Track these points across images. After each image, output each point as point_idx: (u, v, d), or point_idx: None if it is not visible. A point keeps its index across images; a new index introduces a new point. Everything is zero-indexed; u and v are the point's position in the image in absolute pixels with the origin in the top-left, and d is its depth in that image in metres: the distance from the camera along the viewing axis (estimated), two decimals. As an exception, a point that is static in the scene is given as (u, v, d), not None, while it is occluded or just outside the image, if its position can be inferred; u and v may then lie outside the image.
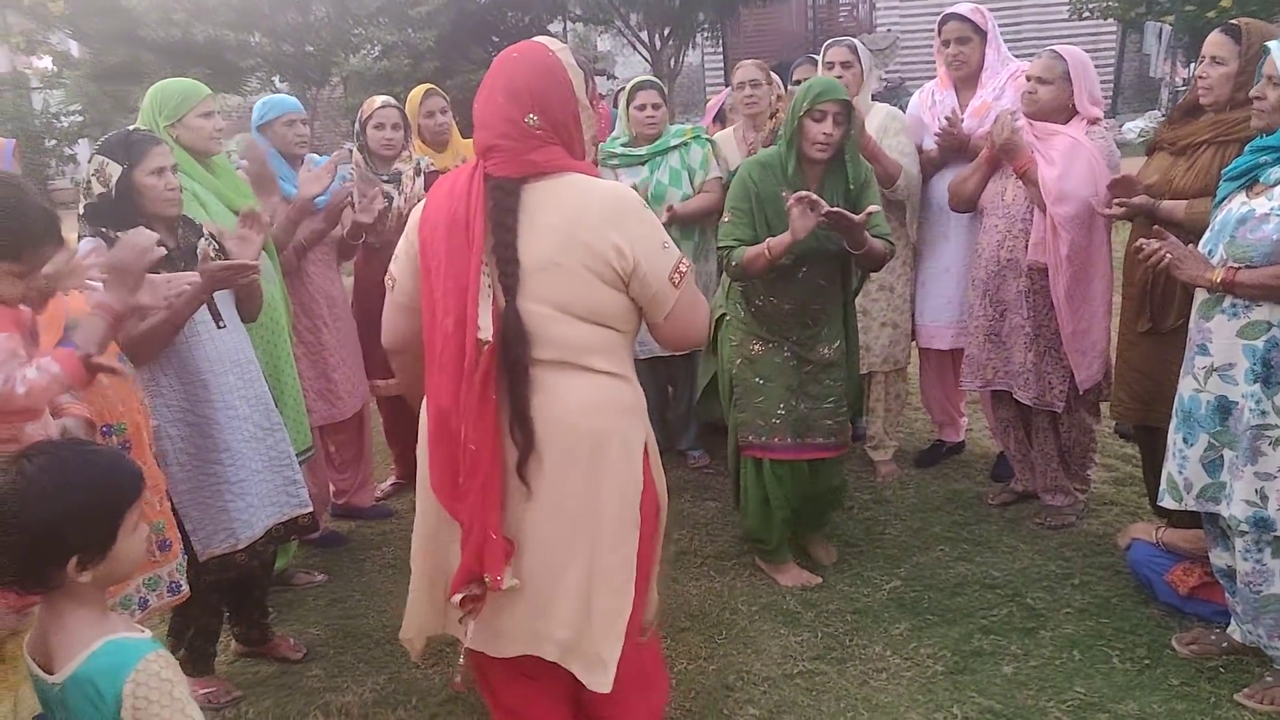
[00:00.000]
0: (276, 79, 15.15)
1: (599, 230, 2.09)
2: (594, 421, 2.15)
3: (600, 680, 2.18)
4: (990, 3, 4.69)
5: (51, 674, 1.61)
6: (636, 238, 2.12)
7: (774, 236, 3.26)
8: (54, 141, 16.63)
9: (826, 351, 3.53)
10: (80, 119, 15.65)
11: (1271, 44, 2.73)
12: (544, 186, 2.14)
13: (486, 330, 2.08)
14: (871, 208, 3.25)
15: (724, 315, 3.68)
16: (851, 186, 3.40)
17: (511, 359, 2.10)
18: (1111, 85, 19.50)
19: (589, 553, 2.18)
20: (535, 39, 2.24)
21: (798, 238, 3.16)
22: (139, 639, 1.64)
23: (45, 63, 16.48)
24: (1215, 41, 3.16)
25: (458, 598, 2.16)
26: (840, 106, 3.27)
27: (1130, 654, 3.09)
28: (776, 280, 3.42)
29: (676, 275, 2.17)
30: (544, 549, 2.19)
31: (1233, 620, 2.99)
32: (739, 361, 3.58)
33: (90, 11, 14.23)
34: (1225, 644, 3.03)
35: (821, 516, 3.83)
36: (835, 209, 3.16)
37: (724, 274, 3.61)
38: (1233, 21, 3.17)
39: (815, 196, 3.13)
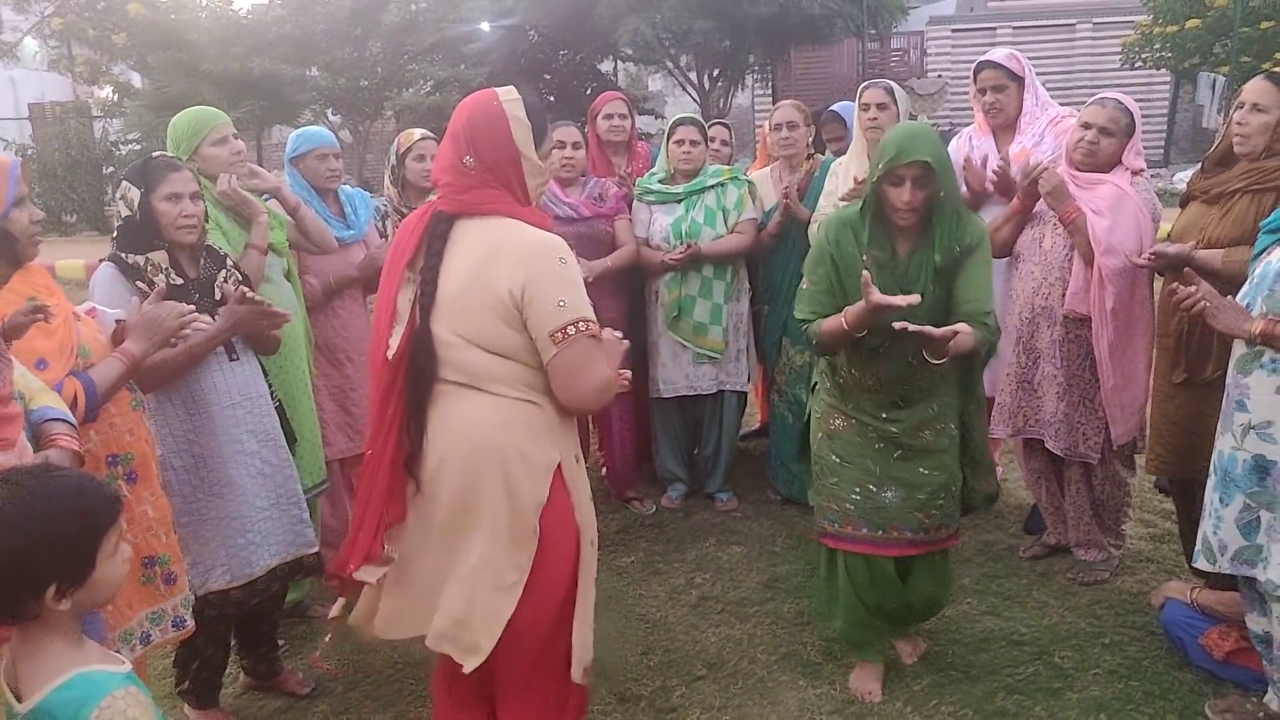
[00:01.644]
0: (329, 112, 15.41)
1: (503, 273, 2.23)
2: (490, 436, 2.29)
3: (471, 661, 2.34)
4: (1042, 52, 4.64)
5: (21, 702, 1.58)
6: (534, 287, 2.23)
7: (851, 306, 2.86)
8: (111, 169, 17.04)
9: (927, 435, 3.04)
10: (138, 147, 16.02)
11: None
12: (473, 225, 2.31)
13: (393, 348, 2.31)
14: (959, 326, 2.76)
15: (816, 382, 3.32)
16: (939, 258, 2.88)
17: (417, 375, 2.31)
18: (1164, 136, 19.30)
19: (478, 554, 2.33)
20: (493, 89, 2.38)
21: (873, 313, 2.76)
22: (109, 673, 1.60)
23: (106, 92, 16.95)
24: (1259, 89, 3.09)
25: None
26: (920, 169, 2.79)
27: (1160, 720, 2.97)
28: (856, 354, 3.02)
29: (560, 334, 2.24)
30: (436, 545, 2.37)
31: (1270, 689, 2.86)
32: (820, 436, 3.21)
33: (152, 44, 14.65)
34: (1262, 713, 2.89)
35: (911, 622, 3.34)
36: (906, 325, 2.71)
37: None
38: (1277, 70, 3.10)
39: (885, 300, 2.72)
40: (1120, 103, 3.57)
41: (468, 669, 2.36)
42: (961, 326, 2.77)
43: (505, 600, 2.33)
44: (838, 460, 3.12)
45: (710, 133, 4.82)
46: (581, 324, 2.25)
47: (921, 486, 3.03)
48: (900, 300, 2.70)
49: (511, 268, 2.23)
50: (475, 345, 2.28)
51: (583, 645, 2.44)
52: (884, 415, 3.05)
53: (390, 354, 2.32)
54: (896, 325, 2.71)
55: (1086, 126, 3.56)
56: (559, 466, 2.36)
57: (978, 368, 3.10)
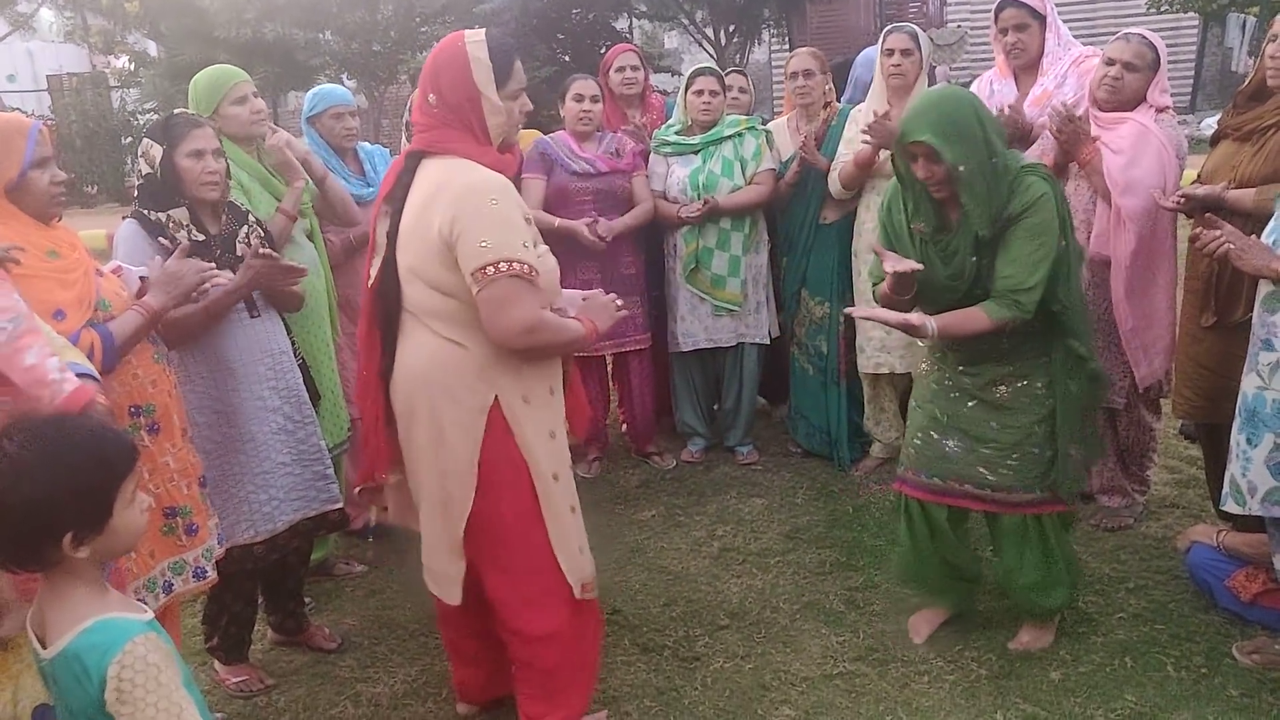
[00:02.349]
0: (344, 76, 15.32)
1: (439, 211, 2.33)
2: (424, 374, 2.45)
3: (449, 592, 2.57)
4: (1067, -4, 4.53)
5: (45, 648, 1.60)
6: (460, 225, 2.31)
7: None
8: (130, 139, 17.05)
9: (1003, 390, 2.92)
10: (156, 116, 15.97)
11: None
12: (433, 163, 2.43)
13: (372, 276, 2.53)
14: (910, 316, 2.77)
15: None
16: (979, 230, 2.74)
17: (385, 301, 2.50)
18: (1191, 81, 18.94)
19: (425, 482, 2.52)
20: (463, 30, 2.45)
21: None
22: (132, 619, 1.61)
23: (122, 61, 16.91)
24: None
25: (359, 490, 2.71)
26: (925, 148, 2.69)
27: (1186, 662, 2.95)
28: (928, 309, 2.88)
29: (480, 273, 2.30)
30: (414, 475, 2.57)
31: (1298, 630, 2.84)
32: (916, 376, 3.25)
33: (165, 11, 14.56)
34: (1290, 654, 2.88)
35: (1019, 596, 3.08)
36: (851, 310, 3.03)
37: None
38: None
39: (895, 268, 2.75)
40: (1145, 38, 3.48)
41: (451, 602, 2.58)
42: (913, 316, 2.76)
43: (453, 529, 2.50)
44: (915, 404, 3.15)
45: (728, 80, 4.76)
46: (503, 264, 2.30)
47: (988, 441, 2.92)
48: (904, 266, 2.72)
49: (445, 207, 2.32)
50: (419, 279, 2.42)
51: (573, 567, 2.57)
52: (960, 367, 2.98)
53: (370, 282, 2.54)
54: (845, 311, 2.84)
55: (1110, 63, 3.47)
56: (497, 404, 2.43)
57: (1077, 339, 2.83)
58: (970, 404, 2.97)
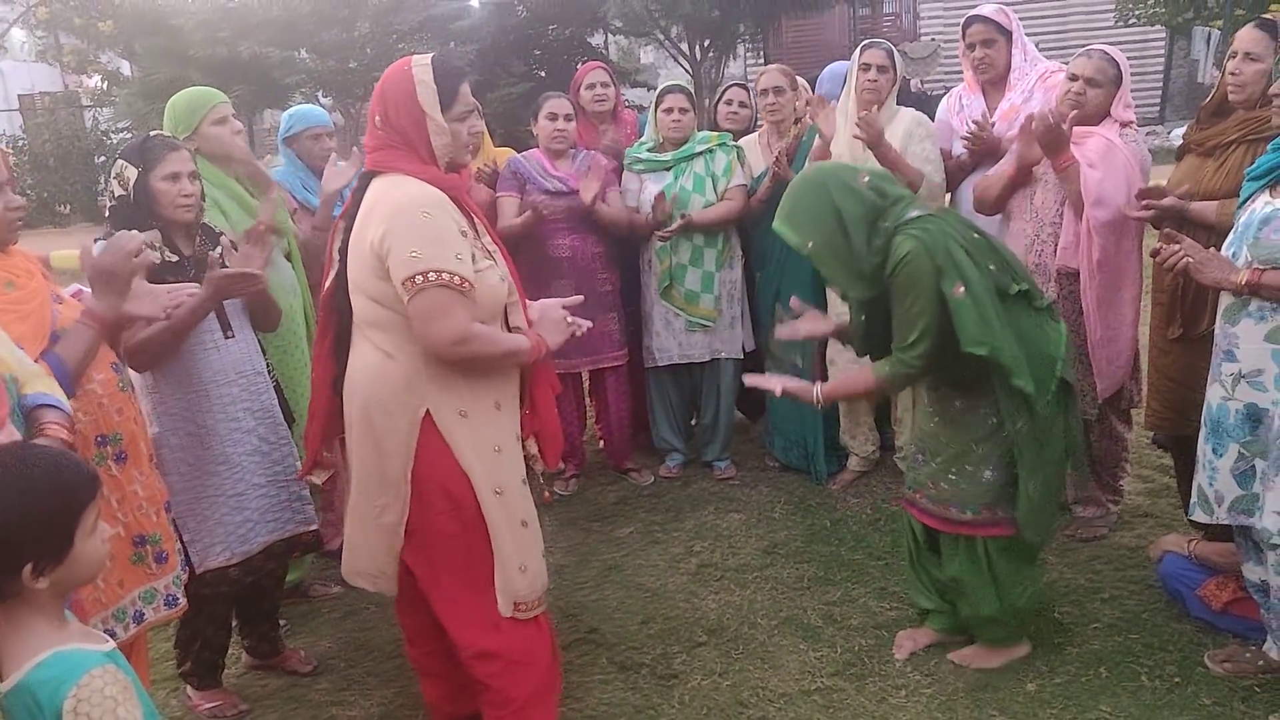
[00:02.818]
0: (320, 94, 15.31)
1: (373, 225, 2.40)
2: (364, 388, 2.50)
3: (387, 587, 2.64)
4: (1036, 11, 4.59)
5: (1, 682, 1.58)
6: (392, 238, 2.36)
7: None
8: (103, 158, 16.97)
9: (958, 405, 2.95)
10: (129, 136, 15.94)
11: None
12: (380, 181, 2.49)
13: (324, 288, 2.62)
14: (768, 380, 3.00)
15: None
16: (850, 294, 2.95)
17: (337, 315, 2.59)
18: (1159, 93, 19.17)
19: (363, 492, 2.56)
20: (411, 56, 2.51)
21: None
22: (90, 651, 1.58)
23: (95, 81, 16.86)
24: (1251, 37, 3.06)
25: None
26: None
27: (1160, 672, 2.97)
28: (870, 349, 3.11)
29: (410, 283, 2.34)
30: (352, 480, 2.61)
31: (1268, 637, 2.87)
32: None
33: (139, 31, 14.50)
34: (1261, 662, 2.90)
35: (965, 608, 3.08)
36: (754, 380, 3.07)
37: None
38: (1267, 17, 3.08)
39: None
40: (1107, 53, 3.53)
41: (386, 592, 2.66)
42: (795, 384, 2.93)
43: (391, 538, 2.54)
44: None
45: (728, 95, 4.83)
46: (432, 274, 2.34)
47: (937, 455, 2.97)
48: (814, 330, 3.21)
49: (379, 220, 2.39)
50: (360, 291, 2.49)
51: (507, 586, 2.56)
52: (933, 385, 3.02)
53: (324, 294, 2.63)
54: (745, 378, 3.11)
55: (1073, 78, 3.52)
56: (429, 418, 2.46)
57: (1020, 376, 2.71)
58: (935, 420, 3.01)
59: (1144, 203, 3.27)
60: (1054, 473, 2.92)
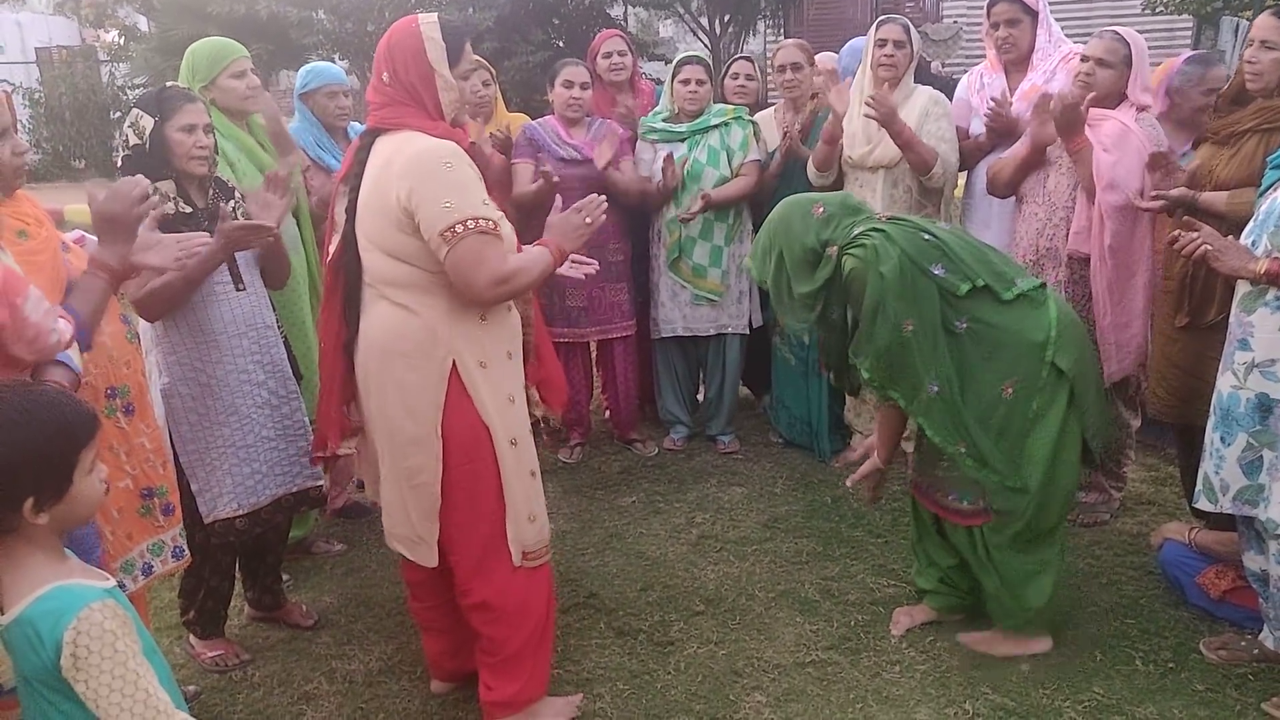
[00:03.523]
0: (337, 56, 15.25)
1: (394, 181, 2.40)
2: (386, 343, 2.50)
3: (424, 555, 2.60)
4: (1064, -4, 4.53)
5: (2, 615, 1.60)
6: (420, 191, 2.37)
7: None
8: (119, 113, 16.94)
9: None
10: (146, 91, 15.90)
11: None
12: (387, 139, 2.49)
13: (330, 252, 2.61)
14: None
15: None
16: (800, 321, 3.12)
17: (345, 274, 2.57)
18: (1184, 81, 18.96)
19: (393, 456, 2.56)
20: (416, 14, 2.53)
21: None
22: (89, 586, 1.61)
23: (112, 36, 16.80)
24: (1268, 25, 3.04)
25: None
26: None
27: (1154, 657, 2.98)
28: None
29: (449, 233, 2.35)
30: (378, 447, 2.62)
31: (1265, 627, 2.87)
32: None
33: (158, -15, 14.46)
34: (1256, 650, 2.91)
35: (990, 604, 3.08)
36: None
37: None
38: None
39: None
40: (1118, 34, 3.53)
41: (427, 565, 2.61)
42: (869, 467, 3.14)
43: (425, 497, 2.54)
44: None
45: (734, 69, 4.78)
46: (470, 221, 2.36)
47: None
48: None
49: (400, 175, 2.39)
50: (378, 249, 2.48)
51: (517, 535, 2.60)
52: None
53: (329, 258, 2.62)
54: (847, 482, 3.31)
55: (1085, 59, 3.52)
56: (454, 370, 2.48)
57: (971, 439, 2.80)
58: None
59: (1154, 193, 3.25)
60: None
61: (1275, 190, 2.68)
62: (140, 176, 2.34)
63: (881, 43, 4.08)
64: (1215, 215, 3.06)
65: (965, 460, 2.81)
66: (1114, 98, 3.53)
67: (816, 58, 4.92)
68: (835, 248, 2.87)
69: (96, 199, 2.30)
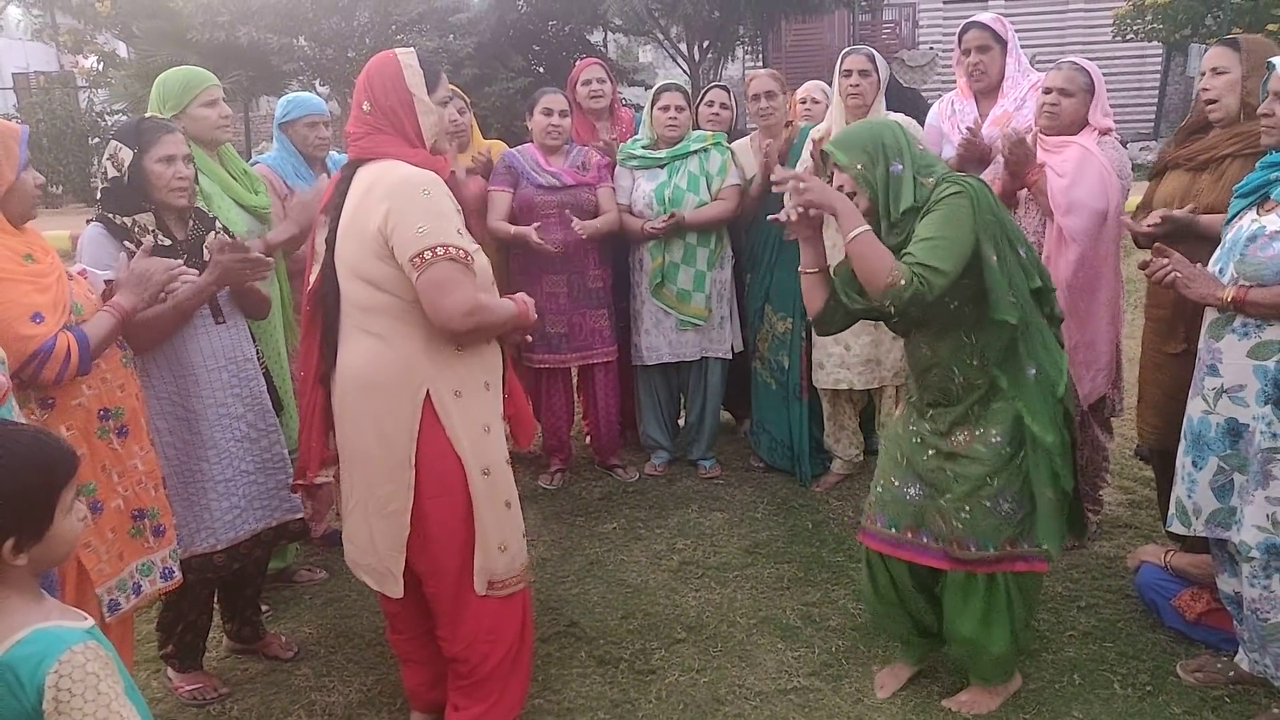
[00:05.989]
0: (317, 83, 15.28)
1: (372, 208, 2.43)
2: (363, 376, 2.52)
3: (391, 588, 2.61)
4: (1035, 25, 4.62)
5: None
6: (396, 216, 2.40)
7: None
8: (97, 140, 16.89)
9: (961, 438, 2.77)
10: (124, 118, 15.86)
11: (1276, 59, 2.67)
12: (368, 168, 2.53)
13: (310, 282, 2.63)
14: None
15: None
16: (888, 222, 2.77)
17: (324, 303, 2.60)
18: (1155, 108, 19.27)
19: (365, 485, 2.57)
20: (394, 49, 2.60)
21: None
22: (70, 628, 1.58)
23: (91, 62, 16.78)
24: (1214, 54, 3.18)
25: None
26: (831, 162, 2.83)
27: (1133, 680, 3.00)
28: (903, 339, 2.98)
29: (419, 259, 2.38)
30: (348, 476, 2.64)
31: (1240, 648, 2.90)
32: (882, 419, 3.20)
33: (137, 13, 14.48)
34: (1232, 672, 2.94)
35: (958, 648, 2.94)
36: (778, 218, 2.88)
37: None
38: (1229, 36, 3.16)
39: None
40: (1076, 64, 3.61)
41: (393, 595, 2.62)
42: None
43: (395, 527, 2.55)
44: (882, 448, 3.05)
45: (709, 96, 4.81)
46: (440, 249, 2.39)
47: (944, 491, 2.77)
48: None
49: (378, 202, 2.43)
50: (357, 276, 2.50)
51: (484, 565, 2.61)
52: (928, 411, 2.86)
53: (309, 288, 2.64)
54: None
55: (1047, 91, 3.59)
56: (428, 399, 2.50)
57: (1040, 367, 2.70)
58: (930, 453, 2.83)
59: (1159, 213, 3.24)
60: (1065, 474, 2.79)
61: (1240, 219, 2.73)
62: (180, 263, 2.66)
63: (847, 73, 4.15)
64: (1212, 238, 3.08)
65: (1048, 462, 2.69)
66: (1078, 124, 3.60)
67: (806, 86, 4.99)
68: (931, 179, 2.69)
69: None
